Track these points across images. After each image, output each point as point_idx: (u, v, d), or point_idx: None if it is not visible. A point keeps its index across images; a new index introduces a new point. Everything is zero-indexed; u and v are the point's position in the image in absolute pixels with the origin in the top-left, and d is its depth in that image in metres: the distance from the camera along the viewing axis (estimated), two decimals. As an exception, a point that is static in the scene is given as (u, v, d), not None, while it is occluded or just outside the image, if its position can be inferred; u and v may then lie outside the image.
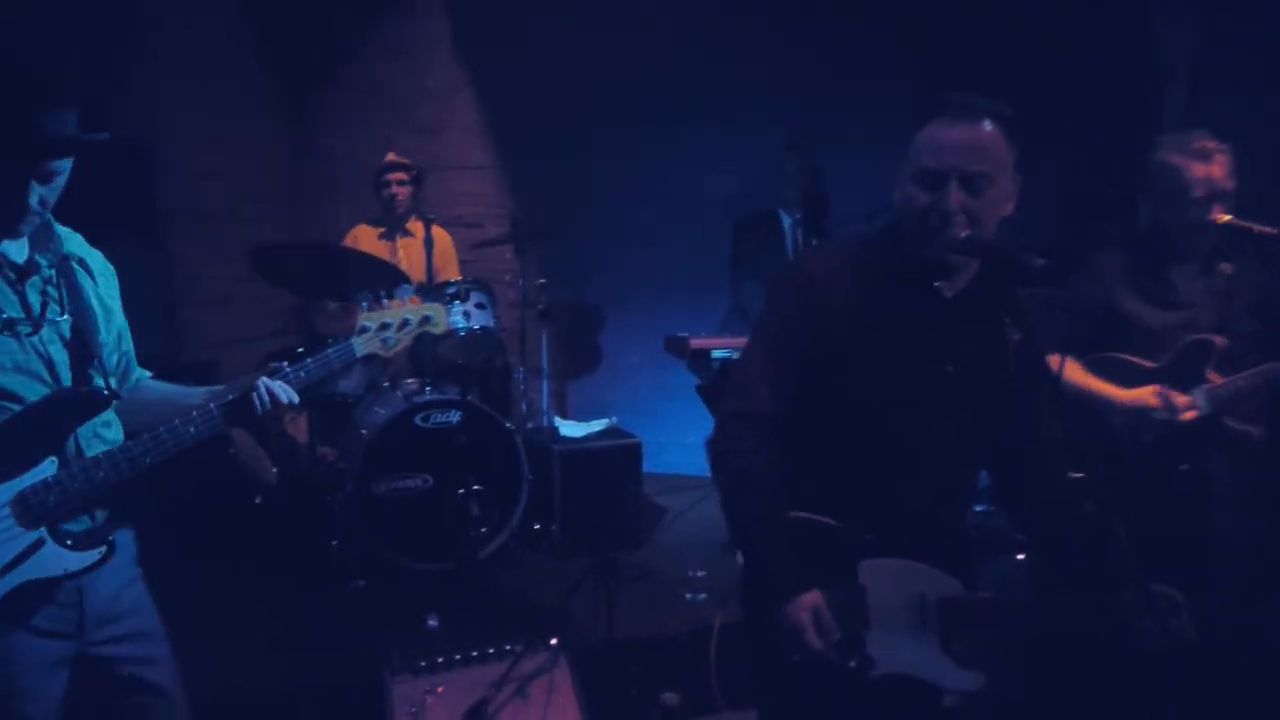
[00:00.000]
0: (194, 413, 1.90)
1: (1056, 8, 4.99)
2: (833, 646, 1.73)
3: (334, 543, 4.08)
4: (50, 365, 1.84)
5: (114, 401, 1.92)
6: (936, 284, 1.91)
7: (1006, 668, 1.91)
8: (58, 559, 1.80)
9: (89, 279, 1.96)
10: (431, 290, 4.46)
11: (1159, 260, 2.78)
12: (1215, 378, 2.66)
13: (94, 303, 1.94)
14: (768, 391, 1.89)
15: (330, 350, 2.07)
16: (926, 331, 1.90)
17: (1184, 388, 2.67)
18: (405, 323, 2.16)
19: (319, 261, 4.10)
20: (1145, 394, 2.66)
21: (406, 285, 2.22)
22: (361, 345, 2.11)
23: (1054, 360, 2.74)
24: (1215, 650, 2.20)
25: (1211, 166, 2.66)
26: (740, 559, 2.03)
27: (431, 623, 3.42)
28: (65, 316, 1.88)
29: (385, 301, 2.15)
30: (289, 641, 3.47)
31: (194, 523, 3.96)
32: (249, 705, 3.10)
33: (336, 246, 4.57)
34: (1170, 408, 2.62)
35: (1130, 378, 2.72)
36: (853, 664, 1.76)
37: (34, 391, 1.80)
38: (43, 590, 1.80)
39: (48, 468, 1.80)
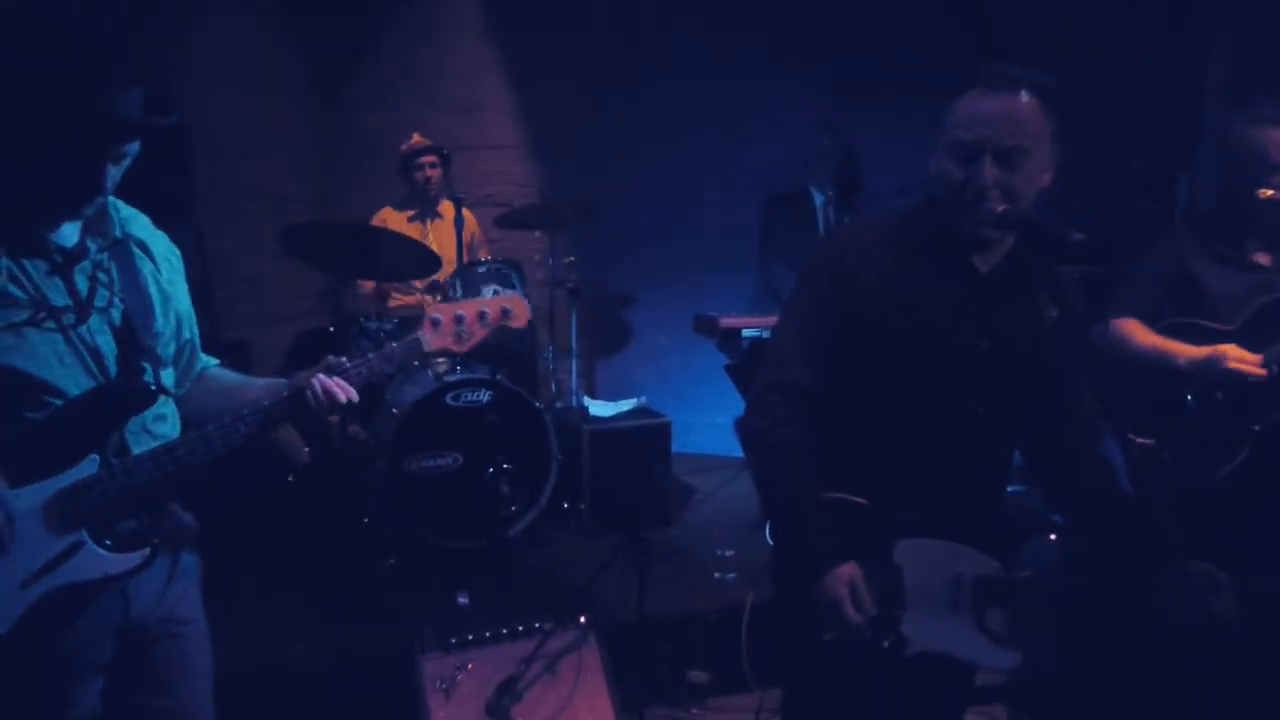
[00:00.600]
0: (245, 411, 1.81)
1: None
2: (868, 623, 1.71)
3: (366, 521, 4.12)
4: (98, 356, 1.73)
5: (160, 397, 1.80)
6: (971, 259, 1.88)
7: (1042, 647, 1.89)
8: (98, 562, 1.70)
9: (149, 263, 1.85)
10: (464, 270, 4.47)
11: (1233, 230, 2.77)
12: None
13: (151, 289, 1.83)
14: (800, 365, 1.87)
15: (395, 345, 1.95)
16: (960, 307, 1.87)
17: (1260, 348, 2.64)
18: (482, 315, 2.03)
19: (351, 241, 4.12)
20: (1216, 349, 2.64)
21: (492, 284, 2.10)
22: (429, 340, 1.98)
23: (1123, 324, 2.74)
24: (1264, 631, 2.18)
25: None
26: (770, 536, 2.01)
27: (462, 600, 3.46)
28: (116, 304, 1.77)
29: (457, 294, 2.05)
30: (321, 619, 3.50)
31: (227, 502, 4.00)
32: (281, 682, 3.14)
33: (369, 226, 4.58)
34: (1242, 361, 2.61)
35: (1204, 342, 2.70)
36: (887, 644, 1.75)
37: (79, 385, 1.70)
38: (83, 594, 1.70)
39: (88, 467, 1.69)
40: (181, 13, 5.00)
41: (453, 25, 5.93)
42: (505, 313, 2.05)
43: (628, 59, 5.59)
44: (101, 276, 1.77)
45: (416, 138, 5.01)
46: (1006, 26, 5.13)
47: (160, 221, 1.97)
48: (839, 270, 1.89)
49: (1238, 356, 2.61)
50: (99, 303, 1.75)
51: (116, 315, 1.77)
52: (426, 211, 5.03)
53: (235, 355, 4.46)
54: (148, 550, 1.75)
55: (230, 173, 5.25)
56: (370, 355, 1.92)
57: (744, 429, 1.93)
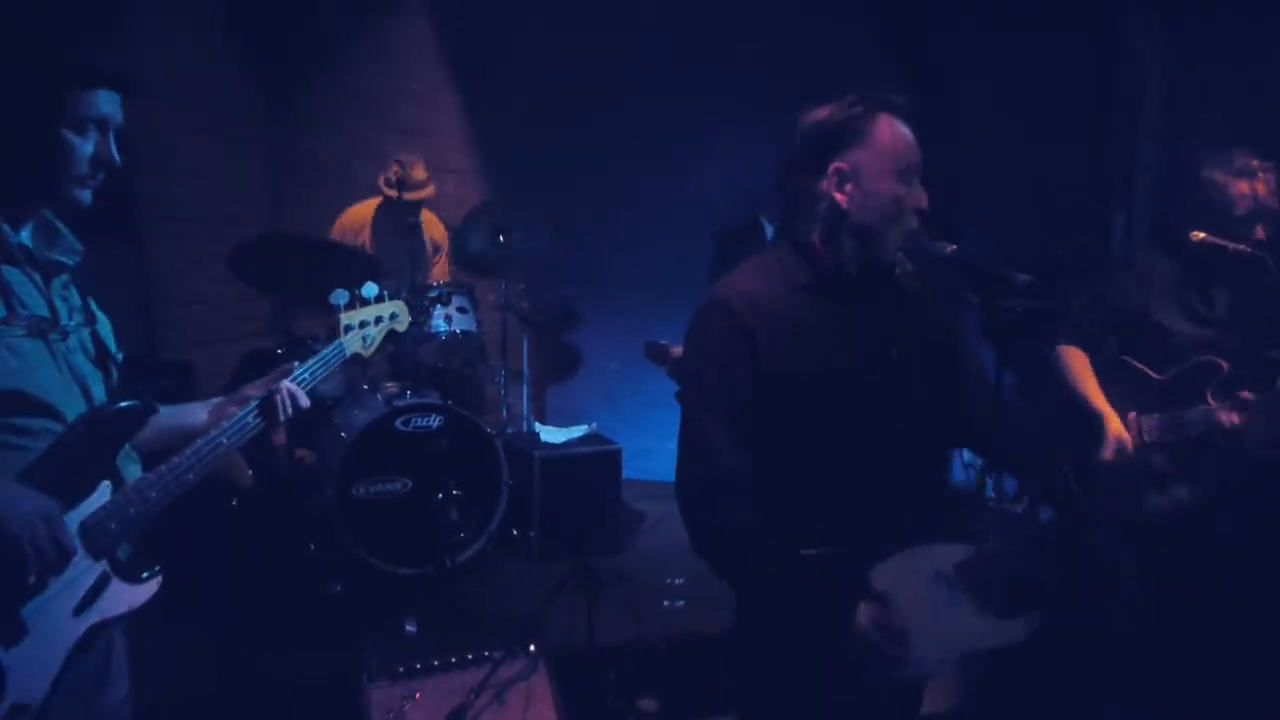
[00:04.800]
0: (224, 423, 1.84)
1: (1035, 25, 5.04)
2: (899, 648, 1.69)
3: (311, 546, 4.06)
4: (79, 376, 1.69)
5: (157, 411, 1.80)
6: (859, 285, 1.89)
7: (1047, 601, 1.90)
8: (122, 595, 1.68)
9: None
10: (414, 294, 4.45)
11: (1200, 278, 2.78)
12: (1211, 401, 2.67)
13: (99, 313, 1.81)
14: (730, 449, 1.80)
15: (326, 350, 2.08)
16: (862, 327, 1.88)
17: (1183, 404, 2.68)
18: (379, 319, 2.22)
19: (298, 261, 4.07)
20: (1118, 433, 2.68)
21: (370, 285, 2.22)
22: (349, 344, 2.14)
23: (1063, 352, 2.78)
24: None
25: (1256, 184, 2.68)
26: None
27: (409, 628, 3.41)
28: (83, 325, 1.74)
29: (362, 300, 2.19)
30: (265, 646, 3.43)
31: (167, 527, 3.91)
32: (225, 710, 3.07)
33: (318, 246, 4.51)
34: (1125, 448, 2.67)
35: (1138, 386, 2.75)
36: (911, 672, 1.71)
37: (73, 407, 1.65)
38: (106, 631, 1.68)
39: (103, 494, 1.66)
40: (125, 26, 4.93)
41: (405, 48, 5.92)
42: (393, 316, 2.26)
43: (582, 86, 5.62)
44: (70, 296, 1.74)
45: (403, 170, 4.93)
46: (947, 66, 5.26)
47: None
48: (736, 334, 1.82)
49: (1116, 436, 2.65)
50: (73, 322, 1.71)
51: (87, 336, 1.74)
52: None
53: (179, 377, 4.38)
54: (159, 576, 1.74)
55: (175, 191, 5.17)
56: (311, 360, 2.02)
57: (695, 529, 1.86)
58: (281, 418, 1.90)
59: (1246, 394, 2.59)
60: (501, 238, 4.89)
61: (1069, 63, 5.05)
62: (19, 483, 1.56)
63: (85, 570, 1.63)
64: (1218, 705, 2.69)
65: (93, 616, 1.64)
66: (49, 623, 1.58)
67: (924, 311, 1.93)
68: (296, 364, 1.98)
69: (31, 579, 1.54)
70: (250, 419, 1.88)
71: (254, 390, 1.92)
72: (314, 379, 2.00)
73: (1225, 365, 2.67)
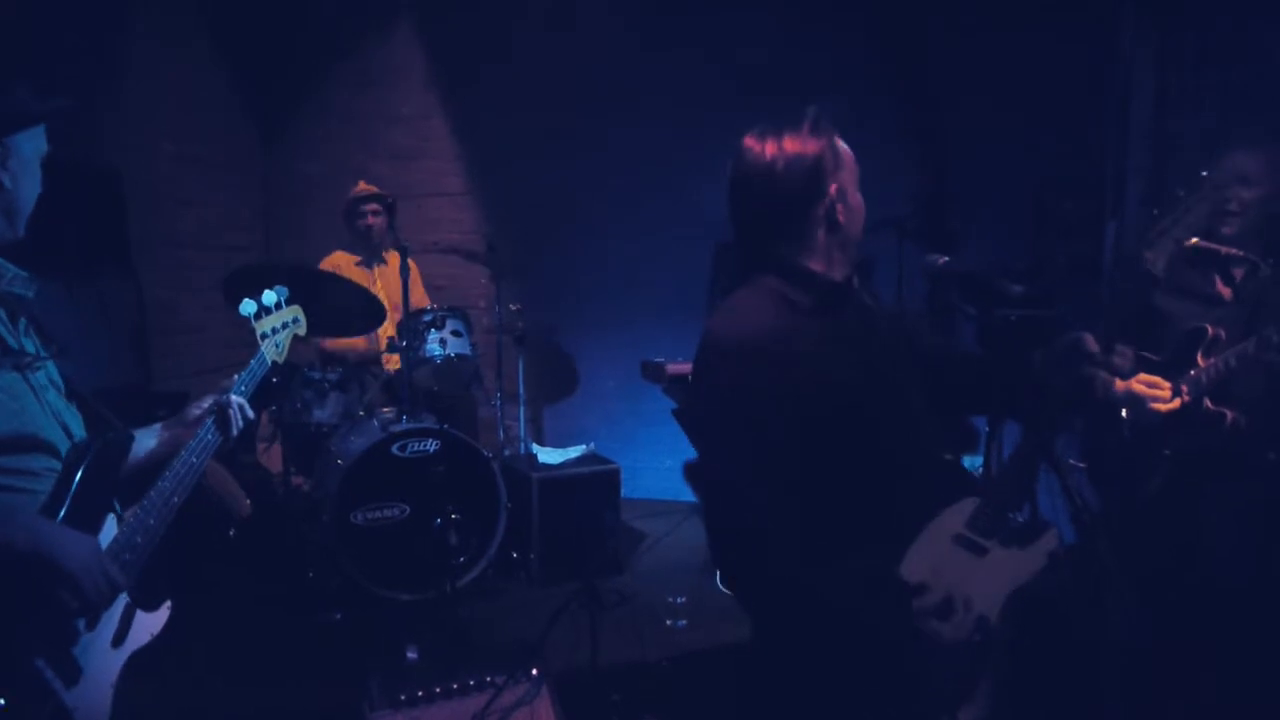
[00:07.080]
0: (190, 444, 1.88)
1: (1027, 31, 5.07)
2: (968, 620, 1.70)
3: (310, 574, 4.04)
4: (59, 415, 1.69)
5: (135, 439, 1.85)
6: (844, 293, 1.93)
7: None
8: (145, 622, 1.74)
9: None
10: (409, 319, 4.45)
11: (1207, 262, 2.79)
12: (1202, 361, 2.67)
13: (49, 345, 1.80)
14: (770, 495, 1.71)
15: (253, 362, 2.14)
16: (856, 336, 1.90)
17: (1179, 376, 2.68)
18: (285, 325, 2.28)
19: (296, 290, 4.05)
20: (1133, 383, 2.66)
21: (269, 292, 2.26)
22: (267, 352, 2.19)
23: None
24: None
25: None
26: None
27: (411, 655, 3.39)
28: (47, 356, 1.74)
29: (265, 308, 2.23)
30: (265, 676, 3.41)
31: (166, 556, 3.89)
32: (224, 742, 3.05)
33: (314, 274, 4.52)
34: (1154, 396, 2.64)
35: (1137, 369, 2.73)
36: (979, 637, 1.70)
37: (60, 442, 1.66)
38: (137, 662, 1.72)
39: (111, 526, 1.69)
40: (116, 59, 4.95)
41: (395, 72, 5.95)
42: (295, 321, 2.33)
43: (575, 106, 5.64)
44: (30, 331, 1.73)
45: (362, 185, 4.99)
46: (943, 75, 5.27)
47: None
48: (758, 372, 1.74)
49: (1147, 382, 2.64)
50: (41, 356, 1.71)
51: (54, 369, 1.75)
52: (373, 258, 5.00)
53: (175, 407, 4.36)
54: (170, 602, 1.79)
55: (169, 220, 5.18)
56: (244, 374, 2.08)
57: (752, 588, 1.80)
58: (234, 430, 1.97)
59: None
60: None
61: (1061, 69, 5.06)
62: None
63: (115, 603, 1.67)
64: (1217, 705, 2.69)
65: (130, 647, 1.69)
66: (95, 660, 1.61)
67: (879, 307, 2.01)
68: (236, 377, 2.05)
69: (87, 618, 1.57)
70: (210, 436, 1.93)
71: (198, 409, 1.97)
72: (249, 391, 2.06)
73: (1212, 330, 2.68)
